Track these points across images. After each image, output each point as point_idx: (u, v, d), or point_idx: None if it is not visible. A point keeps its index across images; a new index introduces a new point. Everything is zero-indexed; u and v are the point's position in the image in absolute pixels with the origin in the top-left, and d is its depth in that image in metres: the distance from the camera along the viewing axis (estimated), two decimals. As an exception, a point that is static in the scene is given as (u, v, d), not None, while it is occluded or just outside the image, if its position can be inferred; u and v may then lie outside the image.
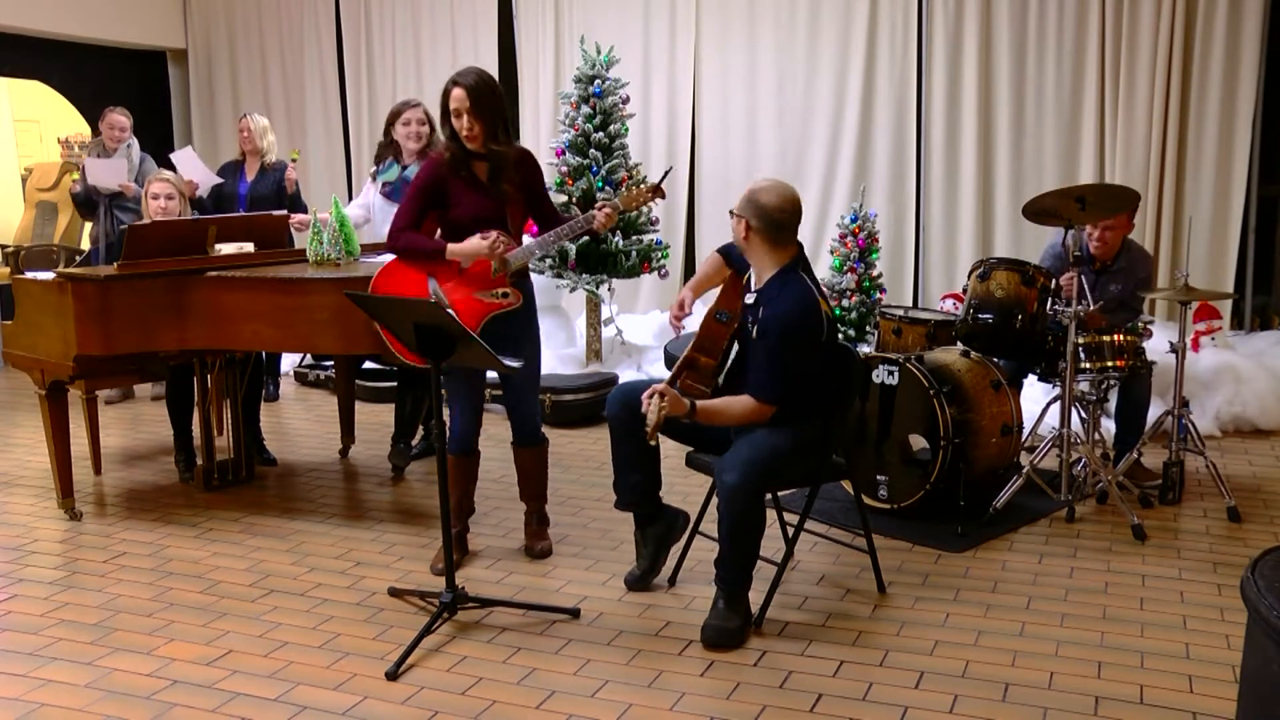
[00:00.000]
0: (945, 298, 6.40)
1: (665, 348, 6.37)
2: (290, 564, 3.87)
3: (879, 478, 4.23)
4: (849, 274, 6.25)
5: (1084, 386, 4.37)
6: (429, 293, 3.62)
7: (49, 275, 4.23)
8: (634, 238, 6.50)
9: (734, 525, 3.15)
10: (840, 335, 5.96)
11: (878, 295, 6.30)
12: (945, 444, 4.03)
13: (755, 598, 3.30)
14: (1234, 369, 5.60)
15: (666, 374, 3.55)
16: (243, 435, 4.85)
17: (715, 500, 3.23)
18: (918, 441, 4.21)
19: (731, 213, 3.32)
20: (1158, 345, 4.77)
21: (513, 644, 3.19)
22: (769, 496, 3.79)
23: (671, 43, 7.54)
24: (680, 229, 7.62)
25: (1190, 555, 3.85)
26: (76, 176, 6.37)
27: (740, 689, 2.92)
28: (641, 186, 3.74)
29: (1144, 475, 4.61)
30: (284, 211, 5.42)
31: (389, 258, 4.54)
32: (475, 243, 3.58)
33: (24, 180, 9.71)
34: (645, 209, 3.84)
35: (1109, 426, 4.78)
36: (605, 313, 6.87)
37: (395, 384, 5.26)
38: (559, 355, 6.62)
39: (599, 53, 6.56)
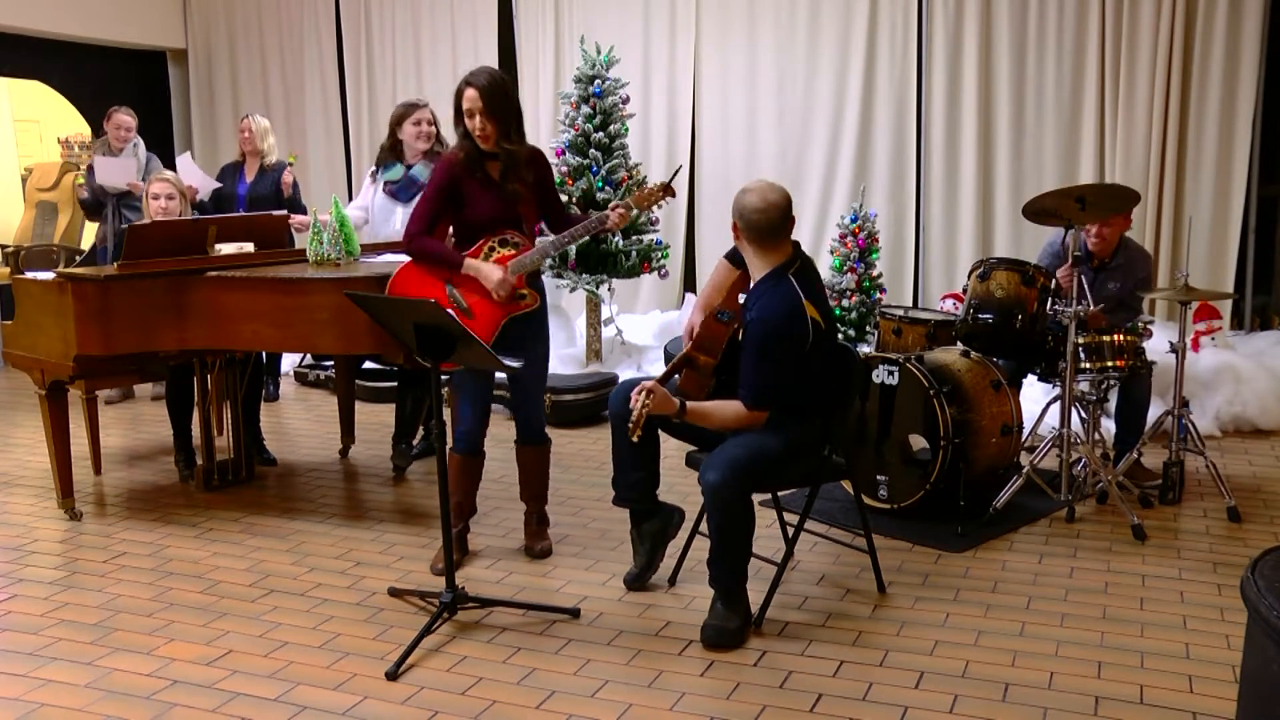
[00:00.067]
0: (945, 298, 6.40)
1: (665, 348, 6.37)
2: (290, 564, 3.87)
3: (879, 478, 4.23)
4: (849, 274, 6.25)
5: (1084, 386, 4.37)
6: (446, 295, 3.62)
7: (49, 275, 4.23)
8: (634, 238, 6.51)
9: (720, 524, 3.15)
10: (840, 335, 5.98)
11: (878, 295, 6.30)
12: (945, 444, 4.03)
13: (755, 598, 3.30)
14: (1234, 369, 5.60)
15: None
16: (243, 435, 4.85)
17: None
18: (918, 441, 4.21)
19: None
20: (1158, 345, 4.77)
21: (513, 644, 3.19)
22: (769, 496, 3.80)
23: (671, 43, 7.54)
24: (680, 229, 7.62)
25: (1190, 555, 3.85)
26: (81, 182, 6.38)
27: (740, 689, 2.92)
28: (653, 185, 3.75)
29: (1144, 475, 4.61)
30: (284, 211, 5.43)
31: (389, 258, 4.57)
32: (493, 270, 3.59)
33: (24, 180, 9.71)
34: (655, 208, 3.84)
35: (1109, 426, 4.78)
36: (605, 313, 6.87)
37: (395, 384, 5.26)
38: (559, 355, 6.62)
39: (599, 53, 6.56)
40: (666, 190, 3.76)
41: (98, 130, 8.12)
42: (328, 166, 8.65)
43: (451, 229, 3.74)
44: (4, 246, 8.71)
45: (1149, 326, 4.52)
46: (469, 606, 3.35)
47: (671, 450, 3.73)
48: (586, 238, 3.84)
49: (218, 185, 6.09)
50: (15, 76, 8.41)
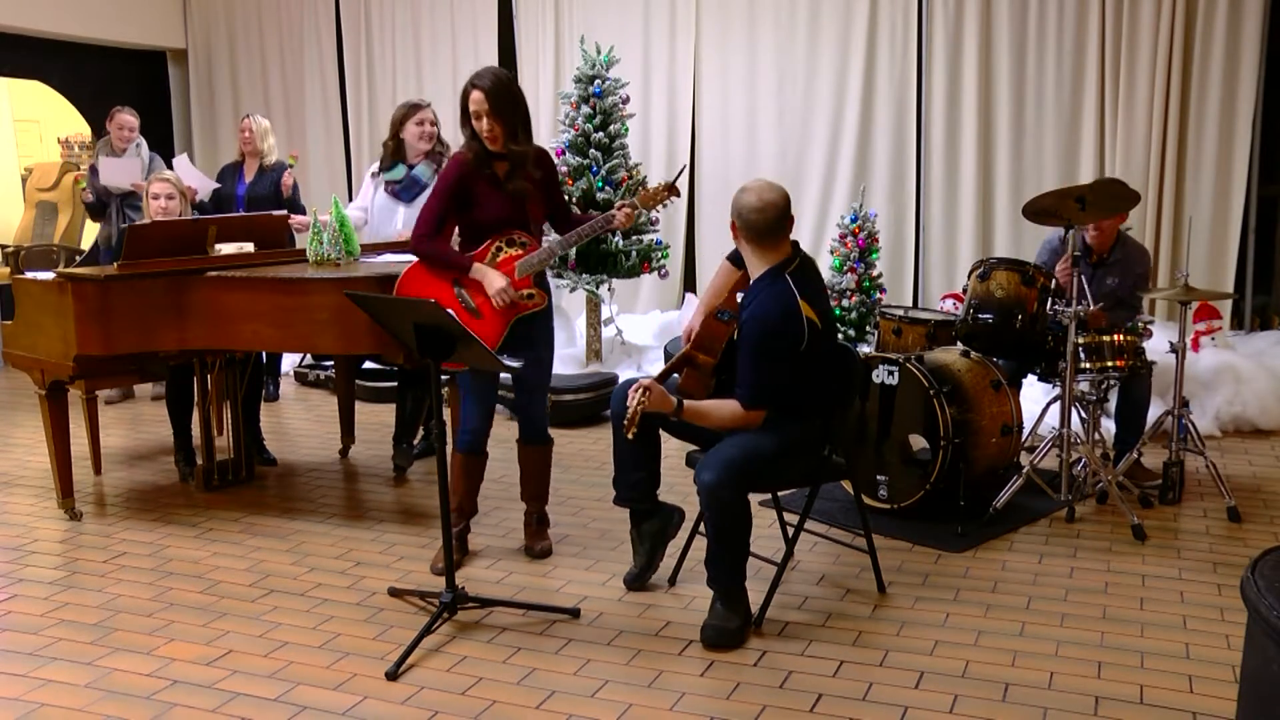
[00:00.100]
0: (945, 298, 6.40)
1: (665, 348, 6.37)
2: (290, 564, 3.87)
3: (879, 478, 4.23)
4: (849, 274, 6.25)
5: (1084, 386, 4.37)
6: (454, 295, 3.63)
7: (49, 275, 4.23)
8: (634, 238, 6.51)
9: (717, 524, 3.15)
10: (840, 335, 5.98)
11: (878, 295, 6.30)
12: (945, 444, 4.03)
13: (755, 598, 3.30)
14: (1234, 369, 5.60)
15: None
16: (243, 435, 4.85)
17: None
18: (918, 441, 4.21)
19: None
20: (1158, 345, 4.77)
21: (513, 644, 3.19)
22: (769, 496, 3.80)
23: (671, 43, 7.53)
24: (680, 229, 7.62)
25: (1190, 555, 3.85)
26: (84, 185, 6.38)
27: (740, 689, 2.92)
28: (658, 185, 3.76)
29: (1144, 475, 4.61)
30: (284, 211, 5.43)
31: (389, 257, 4.57)
32: (497, 277, 3.59)
33: (24, 180, 9.71)
34: (660, 208, 3.85)
35: (1109, 426, 4.78)
36: (605, 313, 6.87)
37: (395, 384, 5.26)
38: (559, 355, 6.61)
39: (599, 53, 6.56)
40: (671, 190, 3.77)
41: (98, 130, 8.12)
42: (328, 166, 8.64)
43: (458, 229, 3.74)
44: (4, 246, 8.71)
45: (1149, 326, 4.52)
46: (469, 606, 3.35)
47: (672, 450, 3.73)
48: (594, 237, 3.85)
49: (216, 186, 6.10)
50: (15, 76, 8.41)
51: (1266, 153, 6.52)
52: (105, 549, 4.04)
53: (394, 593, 3.56)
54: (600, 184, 6.39)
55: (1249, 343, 6.25)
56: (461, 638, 3.24)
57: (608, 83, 6.51)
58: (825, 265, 6.39)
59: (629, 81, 6.72)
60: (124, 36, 8.46)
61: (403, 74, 8.32)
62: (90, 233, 8.89)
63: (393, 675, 3.00)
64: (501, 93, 3.53)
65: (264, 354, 5.40)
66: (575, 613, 3.38)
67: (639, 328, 7.31)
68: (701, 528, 3.63)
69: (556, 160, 6.43)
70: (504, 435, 3.98)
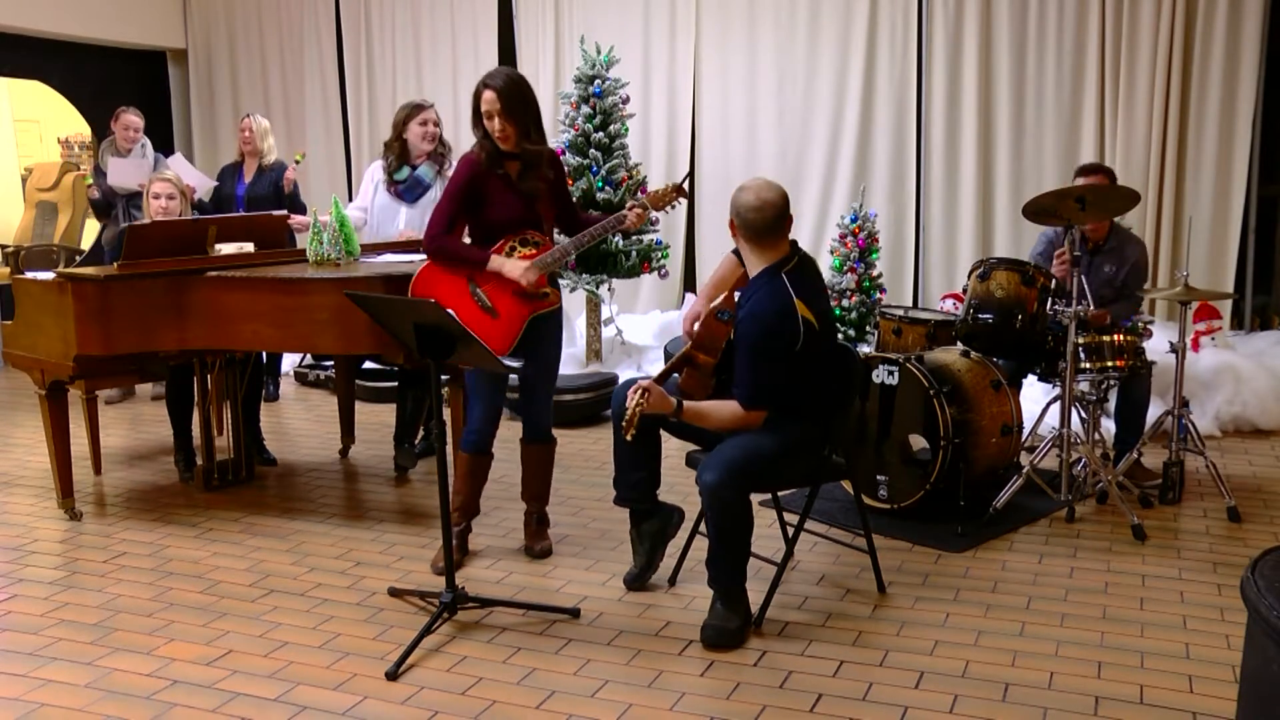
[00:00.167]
0: (945, 298, 6.40)
1: (665, 348, 6.37)
2: (290, 564, 3.87)
3: (879, 478, 4.23)
4: (849, 274, 6.25)
5: (1084, 386, 4.37)
6: (470, 294, 3.63)
7: (49, 275, 4.23)
8: (634, 238, 6.50)
9: (718, 524, 3.15)
10: (840, 335, 5.98)
11: (878, 295, 6.30)
12: (945, 444, 4.03)
13: (755, 598, 3.30)
14: (1234, 369, 5.60)
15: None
16: (243, 435, 4.85)
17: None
18: (918, 441, 4.21)
19: None
20: (1158, 345, 4.77)
21: (513, 644, 3.19)
22: (769, 496, 3.80)
23: (671, 43, 7.53)
24: (680, 229, 7.62)
25: (1190, 555, 3.85)
26: (90, 182, 6.39)
27: (740, 689, 2.92)
28: (666, 186, 3.79)
29: (1144, 475, 4.61)
30: (284, 211, 5.44)
31: (389, 257, 4.57)
32: (517, 264, 3.60)
33: (24, 180, 9.72)
34: (667, 209, 3.87)
35: (1109, 426, 4.78)
36: (605, 313, 6.87)
37: (395, 384, 5.26)
38: (559, 355, 6.62)
39: (599, 53, 6.56)
40: (679, 191, 3.79)
41: (98, 130, 8.13)
42: (328, 166, 8.64)
43: (469, 230, 3.74)
44: (4, 246, 8.72)
45: (1149, 326, 4.53)
46: (469, 606, 3.35)
47: (672, 450, 3.73)
48: (605, 236, 3.86)
49: (213, 184, 6.10)
50: (15, 76, 8.41)
51: (1266, 153, 6.52)
52: (105, 549, 4.04)
53: (394, 593, 3.56)
54: (600, 184, 6.39)
55: (1249, 343, 6.25)
56: (461, 638, 3.24)
57: (608, 83, 6.51)
58: (825, 265, 6.39)
59: (629, 81, 6.72)
60: (124, 36, 8.46)
61: (403, 74, 8.32)
62: (90, 232, 8.90)
63: (393, 675, 3.00)
64: (514, 93, 3.54)
65: (264, 354, 5.40)
66: (575, 613, 3.38)
67: (639, 328, 7.31)
68: (702, 528, 3.63)
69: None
70: (505, 435, 3.98)
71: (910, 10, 6.91)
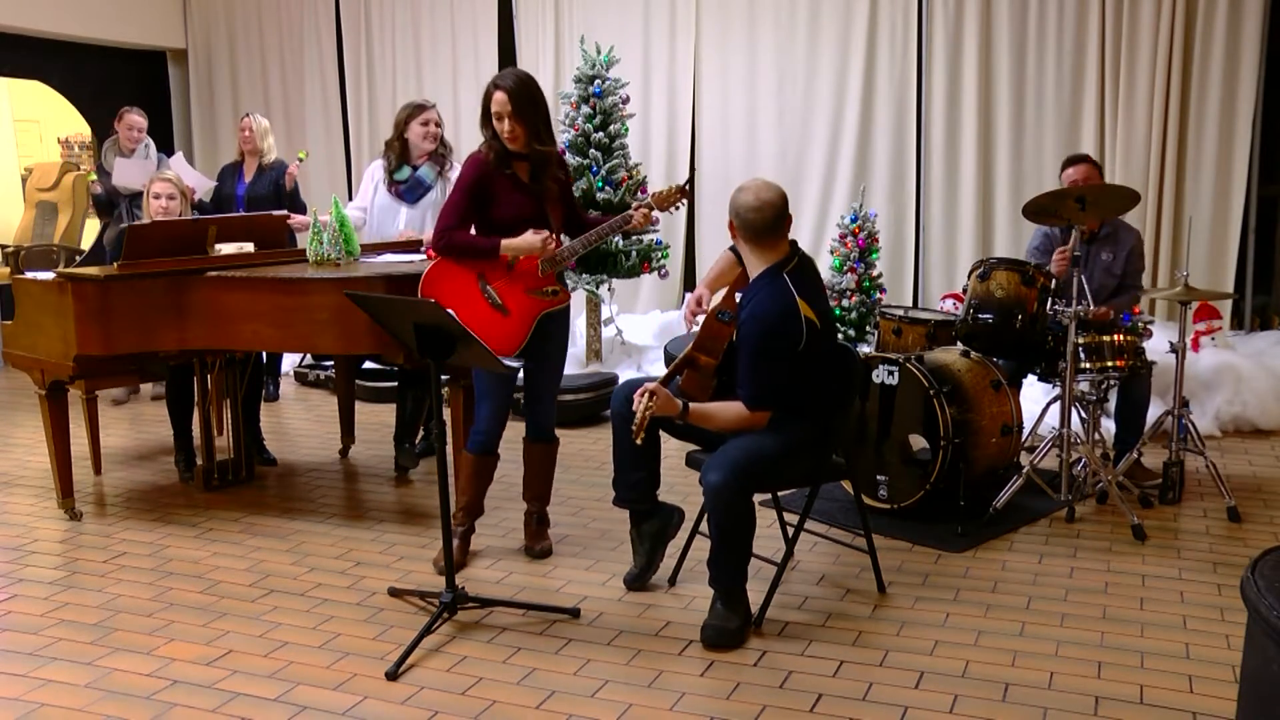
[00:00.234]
0: (945, 298, 6.40)
1: (665, 348, 6.37)
2: (290, 564, 3.87)
3: (879, 478, 4.23)
4: (849, 274, 6.25)
5: (1084, 386, 4.38)
6: (480, 292, 3.63)
7: (49, 275, 4.23)
8: (634, 238, 6.50)
9: (721, 525, 3.15)
10: (840, 335, 5.98)
11: (878, 295, 6.30)
12: (945, 444, 4.03)
13: (755, 598, 3.30)
14: (1234, 369, 5.60)
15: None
16: (243, 435, 4.85)
17: (714, 500, 3.23)
18: (918, 441, 4.21)
19: None
20: (1158, 345, 4.77)
21: (513, 644, 3.19)
22: (769, 496, 3.80)
23: (671, 43, 7.53)
24: (680, 229, 7.62)
25: (1190, 555, 3.85)
26: (94, 178, 6.39)
27: (740, 689, 2.92)
28: (670, 187, 3.80)
29: (1144, 475, 4.61)
30: (284, 211, 5.44)
31: (389, 257, 4.57)
32: (529, 237, 3.60)
33: (24, 180, 9.72)
34: (671, 210, 3.87)
35: (1109, 426, 4.78)
36: (605, 313, 6.87)
37: (395, 384, 5.26)
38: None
39: (599, 53, 6.56)
40: (682, 192, 3.80)
41: (98, 130, 8.14)
42: (328, 166, 8.64)
43: (475, 230, 3.73)
44: (4, 246, 8.72)
45: (1149, 326, 4.53)
46: (469, 606, 3.35)
47: (672, 450, 3.73)
48: (611, 236, 3.87)
49: (212, 184, 6.10)
50: (15, 76, 8.41)
51: (1266, 153, 6.52)
52: (105, 549, 4.04)
53: (394, 593, 3.56)
54: (600, 184, 6.39)
55: (1249, 343, 6.25)
56: (461, 638, 3.24)
57: (608, 83, 6.51)
58: (825, 265, 6.39)
59: (629, 81, 6.72)
60: (124, 36, 8.46)
61: (403, 74, 8.32)
62: (90, 232, 8.90)
63: (393, 675, 3.00)
64: (524, 94, 3.55)
65: (264, 354, 5.40)
66: (575, 613, 3.38)
67: (639, 328, 7.31)
68: (702, 528, 3.63)
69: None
70: (505, 434, 3.98)
71: (910, 10, 6.91)
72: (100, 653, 3.18)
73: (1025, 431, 4.62)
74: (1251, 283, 6.64)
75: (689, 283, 7.67)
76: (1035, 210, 4.31)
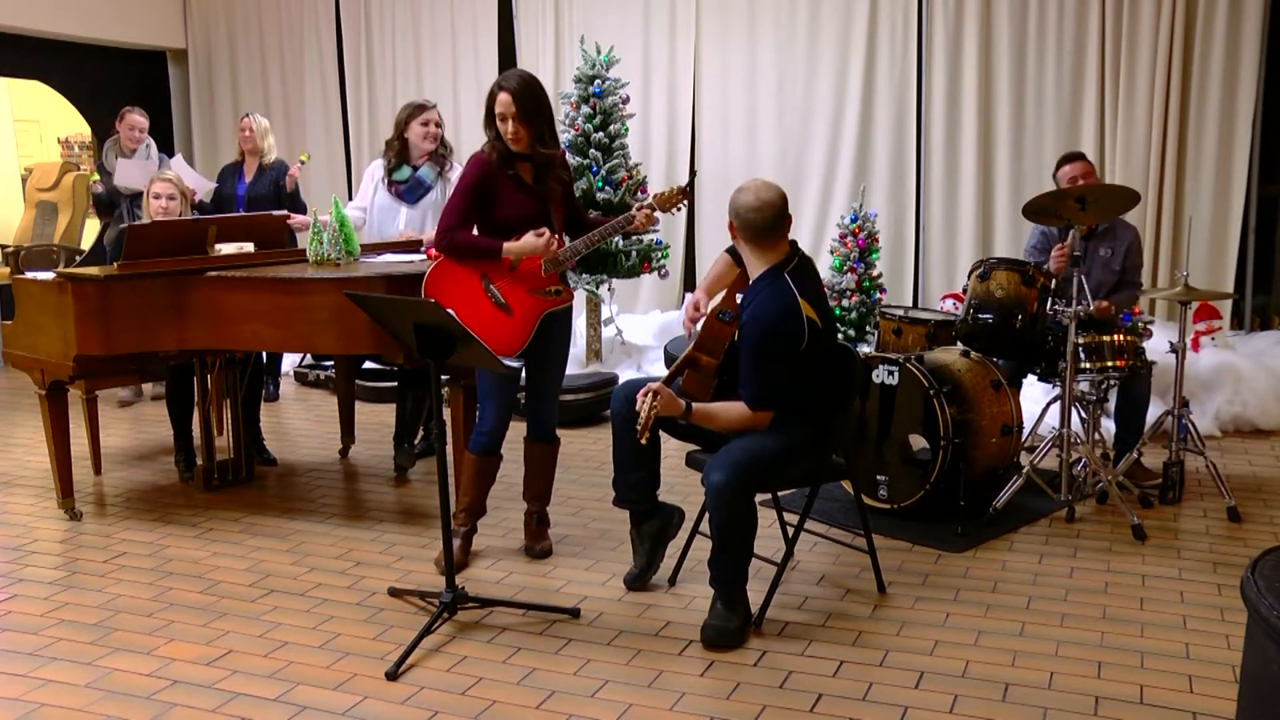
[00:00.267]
0: (945, 298, 6.40)
1: (665, 348, 6.37)
2: (290, 564, 3.87)
3: (879, 478, 4.23)
4: (849, 274, 6.25)
5: (1084, 386, 4.38)
6: (484, 292, 3.63)
7: (49, 275, 4.23)
8: (634, 238, 6.51)
9: (723, 525, 3.15)
10: (840, 335, 5.98)
11: (878, 295, 6.30)
12: (945, 444, 4.03)
13: (755, 598, 3.30)
14: (1234, 369, 5.60)
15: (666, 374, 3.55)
16: (243, 435, 4.85)
17: (714, 500, 3.23)
18: (918, 441, 4.21)
19: None
20: (1158, 345, 4.77)
21: (513, 644, 3.19)
22: (769, 496, 3.80)
23: (671, 43, 7.53)
24: (680, 229, 7.62)
25: (1190, 555, 3.85)
26: (96, 177, 6.39)
27: (740, 689, 2.92)
28: (672, 188, 3.81)
29: (1144, 475, 4.61)
30: (284, 211, 5.44)
31: (389, 257, 4.57)
32: (531, 240, 3.60)
33: (24, 180, 9.72)
34: (673, 211, 3.88)
35: (1109, 426, 4.78)
36: (605, 313, 6.87)
37: (395, 384, 5.26)
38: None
39: (599, 53, 6.56)
40: (684, 193, 3.80)
41: (98, 130, 8.14)
42: (328, 166, 8.64)
43: (478, 230, 3.74)
44: (4, 246, 8.72)
45: (1149, 326, 4.53)
46: (469, 606, 3.35)
47: (672, 450, 3.73)
48: (613, 236, 3.88)
49: (212, 185, 6.10)
50: (15, 76, 8.41)
51: (1266, 153, 6.52)
52: (105, 549, 4.04)
53: (394, 593, 3.56)
54: (600, 184, 6.39)
55: (1249, 343, 6.25)
56: (461, 638, 3.24)
57: (608, 83, 6.51)
58: (825, 265, 6.40)
59: (629, 81, 6.72)
60: (124, 36, 8.46)
61: (403, 74, 8.32)
62: (90, 232, 8.90)
63: (393, 675, 3.00)
64: (528, 96, 3.54)
65: (264, 354, 5.40)
66: (575, 613, 3.38)
67: (639, 328, 7.31)
68: (702, 527, 3.63)
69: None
70: (506, 435, 3.99)
71: (910, 10, 6.91)
72: (100, 653, 3.18)
73: (1025, 431, 4.62)
74: (1251, 283, 6.64)
75: (689, 283, 7.67)
76: (1035, 210, 4.31)
